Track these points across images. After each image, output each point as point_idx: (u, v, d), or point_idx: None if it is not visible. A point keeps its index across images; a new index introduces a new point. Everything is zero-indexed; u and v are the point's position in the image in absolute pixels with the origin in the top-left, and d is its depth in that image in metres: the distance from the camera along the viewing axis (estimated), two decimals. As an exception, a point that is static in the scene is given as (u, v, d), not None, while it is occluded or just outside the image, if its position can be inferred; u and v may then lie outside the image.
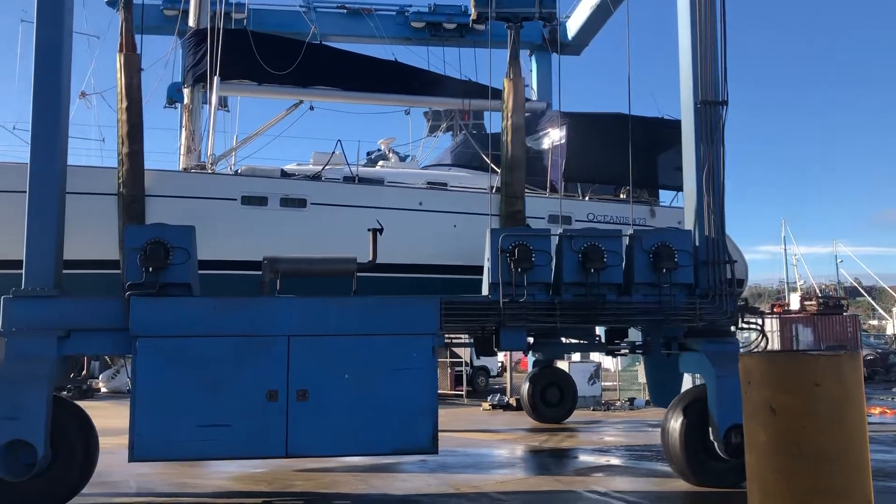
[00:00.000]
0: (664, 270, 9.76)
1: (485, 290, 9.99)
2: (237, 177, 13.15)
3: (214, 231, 11.85)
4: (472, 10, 11.55)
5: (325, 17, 19.10)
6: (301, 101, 15.06)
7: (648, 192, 15.05)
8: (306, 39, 15.22)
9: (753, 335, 10.66)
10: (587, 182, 14.62)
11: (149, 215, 11.77)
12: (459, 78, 15.69)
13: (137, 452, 8.83)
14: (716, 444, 9.50)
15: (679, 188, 14.48)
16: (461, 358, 25.85)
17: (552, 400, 17.25)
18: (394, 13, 19.73)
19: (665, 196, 15.47)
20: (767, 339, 10.84)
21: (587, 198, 14.31)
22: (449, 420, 16.36)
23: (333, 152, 13.43)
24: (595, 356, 22.69)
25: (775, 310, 37.30)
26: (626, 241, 10.10)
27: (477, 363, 28.64)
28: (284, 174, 13.89)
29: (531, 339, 11.78)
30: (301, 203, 12.19)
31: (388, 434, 9.11)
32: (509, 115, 11.64)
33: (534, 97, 15.17)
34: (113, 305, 9.12)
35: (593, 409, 21.38)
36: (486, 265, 9.90)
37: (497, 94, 12.77)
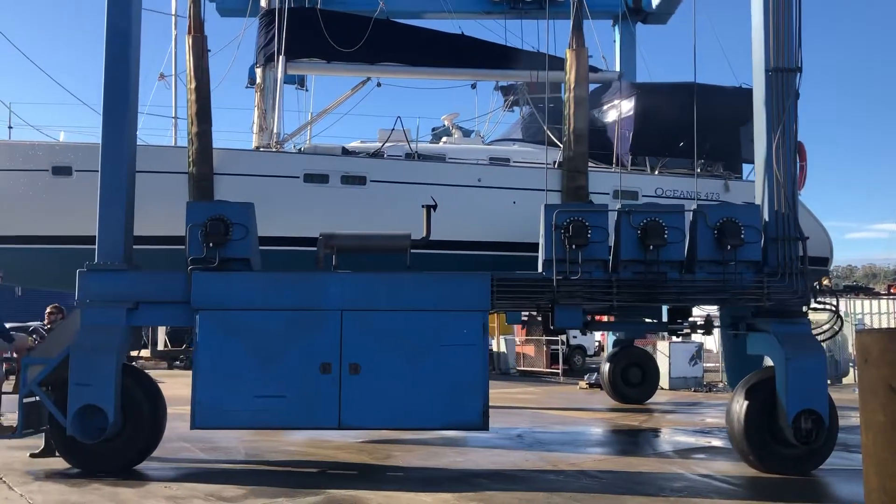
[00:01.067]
0: (729, 247, 9.31)
1: (540, 267, 9.81)
2: (300, 155, 13.37)
3: (279, 208, 12.13)
4: (526, -19, 11.25)
5: None
6: (368, 78, 15.14)
7: (727, 165, 14.37)
8: (376, 16, 15.21)
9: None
10: (657, 155, 14.10)
11: (217, 193, 12.16)
12: (535, 51, 15.34)
13: (198, 421, 9.19)
14: (784, 429, 9.07)
15: (750, 161, 13.85)
16: (557, 336, 25.65)
17: (633, 380, 16.89)
18: None
19: (747, 170, 14.78)
20: (842, 320, 10.20)
21: (657, 172, 13.80)
22: (545, 398, 16.42)
23: (393, 129, 13.45)
24: (697, 336, 22.05)
25: (892, 290, 35.21)
26: (690, 216, 9.70)
27: (573, 342, 28.39)
28: (345, 152, 14.02)
29: (609, 318, 11.46)
30: (361, 180, 12.30)
31: (438, 409, 9.14)
32: (571, 87, 11.32)
33: (607, 67, 14.72)
34: (177, 279, 9.46)
35: (694, 391, 20.93)
36: (542, 241, 9.71)
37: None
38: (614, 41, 19.70)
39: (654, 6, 19.04)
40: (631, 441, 12.42)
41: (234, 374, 9.16)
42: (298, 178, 12.29)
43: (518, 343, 28.44)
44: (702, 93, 11.48)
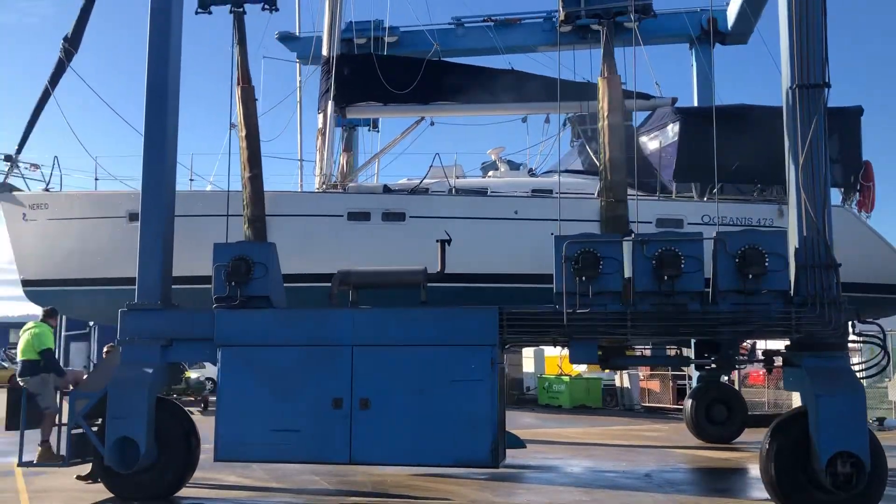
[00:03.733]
0: (751, 276, 8.74)
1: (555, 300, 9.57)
2: (343, 194, 13.79)
3: (325, 246, 12.54)
4: (560, 12, 11.16)
5: (472, 31, 19.35)
6: (422, 118, 15.45)
7: (783, 189, 13.49)
8: (429, 57, 15.57)
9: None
10: (703, 182, 13.44)
11: (270, 233, 12.73)
12: (586, 81, 15.14)
13: (220, 453, 9.57)
14: (818, 473, 8.32)
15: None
16: (684, 371, 24.63)
17: (718, 418, 15.97)
18: (541, 20, 19.45)
19: None
20: (888, 355, 9.25)
21: (705, 199, 13.13)
22: (672, 435, 15.84)
23: (431, 166, 13.63)
24: None
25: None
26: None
27: None
28: (387, 190, 14.32)
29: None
30: (400, 217, 12.51)
31: (447, 446, 9.07)
32: (605, 115, 11.07)
33: (660, 93, 14.27)
34: (204, 317, 9.96)
35: None
36: (554, 273, 9.49)
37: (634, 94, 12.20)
38: (691, 65, 19.08)
39: (730, 27, 18.30)
40: None
41: (252, 408, 9.49)
42: (342, 216, 12.69)
43: (642, 378, 27.40)
44: (752, 115, 10.91)
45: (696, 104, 18.16)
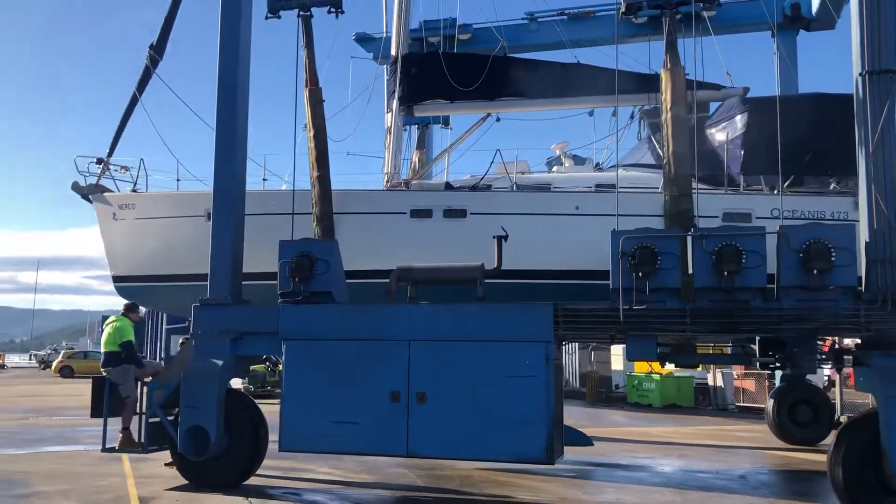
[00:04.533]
0: (815, 271, 8.41)
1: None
2: (407, 192, 13.96)
3: (389, 243, 12.76)
4: (622, 3, 10.97)
5: (546, 26, 19.21)
6: (489, 114, 15.48)
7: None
8: (495, 53, 15.58)
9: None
10: (773, 174, 12.91)
11: (338, 231, 13.05)
12: (654, 73, 14.79)
13: (284, 443, 9.90)
14: (890, 478, 7.95)
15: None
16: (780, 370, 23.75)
17: (803, 419, 15.38)
18: (614, 12, 19.12)
19: None
20: None
21: (776, 192, 12.62)
22: (768, 437, 15.50)
23: (492, 162, 13.63)
24: None
25: None
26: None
27: None
28: (448, 187, 14.39)
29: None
30: (461, 213, 12.59)
31: (502, 441, 9.09)
32: (668, 107, 10.85)
33: (731, 83, 13.74)
34: (270, 312, 10.32)
35: None
36: (611, 269, 9.37)
37: (700, 84, 11.91)
38: (774, 53, 18.35)
39: (814, 12, 17.49)
40: None
41: (314, 400, 9.78)
42: (405, 213, 12.87)
43: (736, 377, 26.59)
44: (825, 103, 10.48)
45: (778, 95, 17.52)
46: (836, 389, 22.91)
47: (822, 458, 13.32)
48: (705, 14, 14.94)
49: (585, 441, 12.44)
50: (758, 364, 9.87)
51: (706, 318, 8.81)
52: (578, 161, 15.27)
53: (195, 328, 10.71)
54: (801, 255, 8.48)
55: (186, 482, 10.14)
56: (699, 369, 31.63)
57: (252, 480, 10.39)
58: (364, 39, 19.60)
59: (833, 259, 8.38)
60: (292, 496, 9.67)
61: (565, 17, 19.61)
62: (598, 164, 15.79)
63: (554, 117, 15.17)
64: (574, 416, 23.51)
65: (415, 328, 9.56)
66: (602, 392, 32.62)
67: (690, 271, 9.17)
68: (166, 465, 10.96)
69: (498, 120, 15.73)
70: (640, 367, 30.12)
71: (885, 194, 8.46)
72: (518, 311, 9.37)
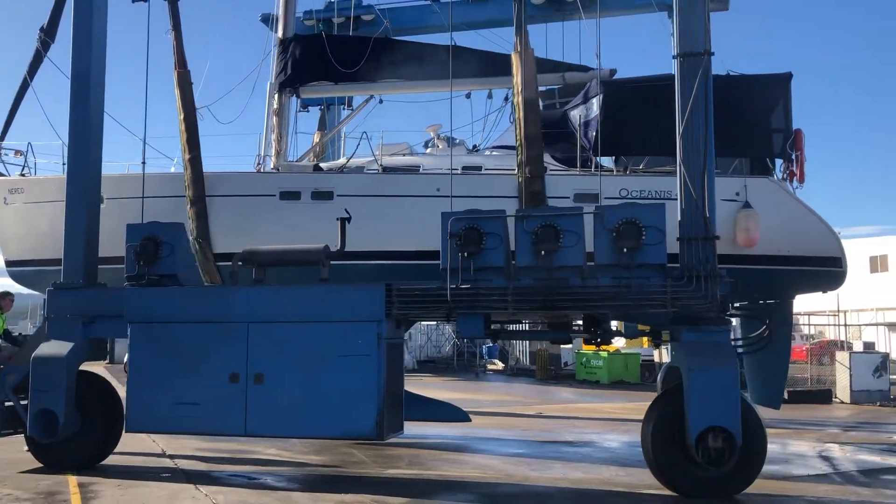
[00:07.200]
0: (625, 249, 8.66)
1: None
2: (276, 174, 14.02)
3: (260, 225, 12.83)
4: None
5: (445, 8, 19.21)
6: (372, 96, 15.54)
7: (756, 163, 13.18)
8: (377, 35, 15.62)
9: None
10: (628, 155, 13.20)
11: (210, 213, 13.08)
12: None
13: (129, 425, 10.02)
14: (690, 448, 8.27)
15: (746, 155, 12.61)
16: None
17: None
18: None
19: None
20: (770, 331, 9.06)
21: (628, 172, 12.89)
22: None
23: (358, 144, 13.74)
24: (881, 346, 20.55)
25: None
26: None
27: None
28: (317, 168, 14.48)
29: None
30: (329, 195, 12.68)
31: (334, 419, 9.29)
32: (519, 90, 11.00)
33: (599, 65, 13.92)
34: (117, 295, 10.38)
35: (880, 405, 19.88)
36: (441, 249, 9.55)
37: (570, 66, 12.06)
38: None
39: (706, -7, 17.69)
40: (812, 460, 11.63)
41: (158, 382, 9.88)
42: (275, 195, 12.95)
43: None
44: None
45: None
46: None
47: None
48: None
49: (463, 417, 12.73)
50: (584, 340, 10.08)
51: (529, 296, 9.03)
52: (451, 143, 15.39)
53: (48, 312, 10.72)
54: (613, 234, 8.72)
55: (125, 470, 10.07)
56: (645, 346, 32.34)
57: (197, 464, 10.53)
58: (268, 20, 19.48)
59: (643, 238, 8.63)
60: (240, 478, 9.72)
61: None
62: (474, 147, 15.98)
63: (435, 99, 15.27)
64: (523, 392, 24.22)
65: (253, 310, 9.68)
66: (551, 369, 33.18)
67: None
68: (27, 450, 11.01)
69: (381, 102, 15.85)
70: (589, 345, 30.58)
71: (693, 173, 8.72)
72: (351, 292, 9.53)
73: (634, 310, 8.82)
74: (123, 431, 10.15)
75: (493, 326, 9.86)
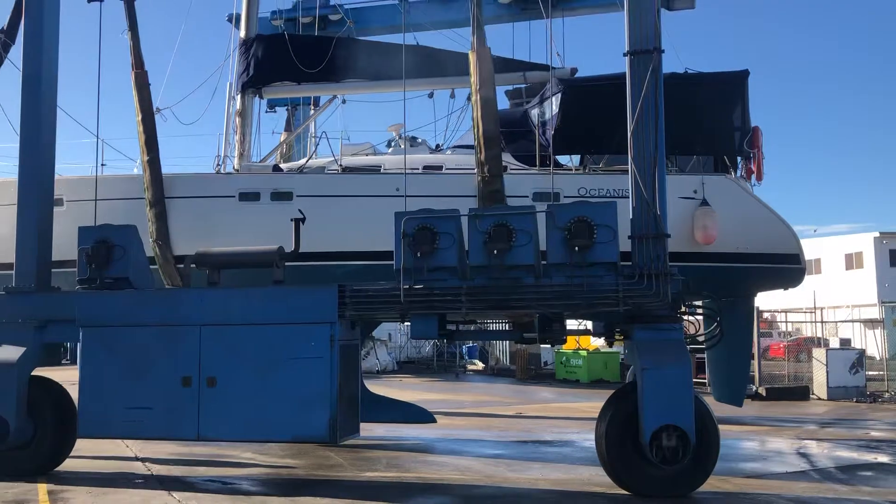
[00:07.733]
0: (577, 248, 8.62)
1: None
2: (235, 175, 13.90)
3: (220, 227, 12.71)
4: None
5: (415, 7, 19.13)
6: (335, 96, 15.46)
7: (718, 162, 13.23)
8: (339, 35, 15.54)
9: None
10: (586, 153, 13.21)
11: (170, 216, 12.95)
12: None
13: (81, 430, 9.87)
14: (644, 447, 8.25)
15: (704, 153, 12.64)
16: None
17: None
18: None
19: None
20: (722, 330, 9.07)
21: (587, 171, 12.89)
22: None
23: (318, 144, 13.65)
24: (857, 343, 20.78)
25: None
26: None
27: None
28: (276, 169, 14.39)
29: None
30: (288, 196, 12.60)
31: (287, 422, 9.19)
32: (476, 89, 10.95)
33: (562, 63, 13.96)
34: (68, 299, 10.23)
35: (856, 401, 20.03)
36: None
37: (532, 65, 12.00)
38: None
39: (674, -10, 17.73)
40: (789, 456, 11.63)
41: (110, 386, 9.74)
42: (234, 196, 12.84)
43: None
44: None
45: None
46: (756, 362, 23.34)
47: (738, 428, 13.92)
48: None
49: (429, 418, 12.67)
50: (536, 339, 10.03)
51: (482, 296, 8.98)
52: (413, 143, 15.35)
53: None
54: (565, 232, 8.69)
55: (98, 477, 9.94)
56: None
57: (171, 469, 10.40)
58: (237, 20, 19.33)
59: (595, 236, 8.60)
60: (215, 483, 9.55)
61: None
62: (438, 146, 15.93)
63: (398, 99, 15.19)
64: (503, 393, 24.23)
65: (205, 313, 9.57)
66: (531, 369, 33.19)
67: None
68: None
69: (344, 102, 15.79)
70: (568, 345, 30.63)
71: (644, 171, 8.70)
72: (303, 293, 9.45)
73: (587, 308, 8.78)
74: (77, 436, 9.99)
75: (448, 327, 9.79)
